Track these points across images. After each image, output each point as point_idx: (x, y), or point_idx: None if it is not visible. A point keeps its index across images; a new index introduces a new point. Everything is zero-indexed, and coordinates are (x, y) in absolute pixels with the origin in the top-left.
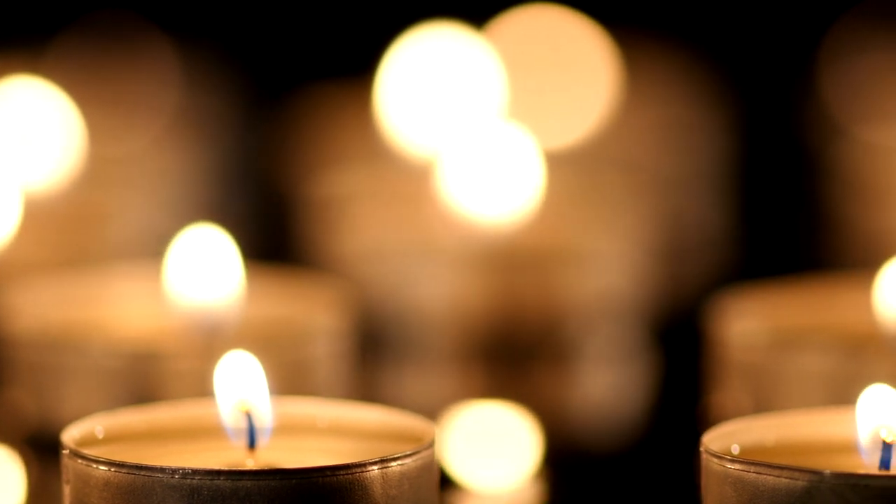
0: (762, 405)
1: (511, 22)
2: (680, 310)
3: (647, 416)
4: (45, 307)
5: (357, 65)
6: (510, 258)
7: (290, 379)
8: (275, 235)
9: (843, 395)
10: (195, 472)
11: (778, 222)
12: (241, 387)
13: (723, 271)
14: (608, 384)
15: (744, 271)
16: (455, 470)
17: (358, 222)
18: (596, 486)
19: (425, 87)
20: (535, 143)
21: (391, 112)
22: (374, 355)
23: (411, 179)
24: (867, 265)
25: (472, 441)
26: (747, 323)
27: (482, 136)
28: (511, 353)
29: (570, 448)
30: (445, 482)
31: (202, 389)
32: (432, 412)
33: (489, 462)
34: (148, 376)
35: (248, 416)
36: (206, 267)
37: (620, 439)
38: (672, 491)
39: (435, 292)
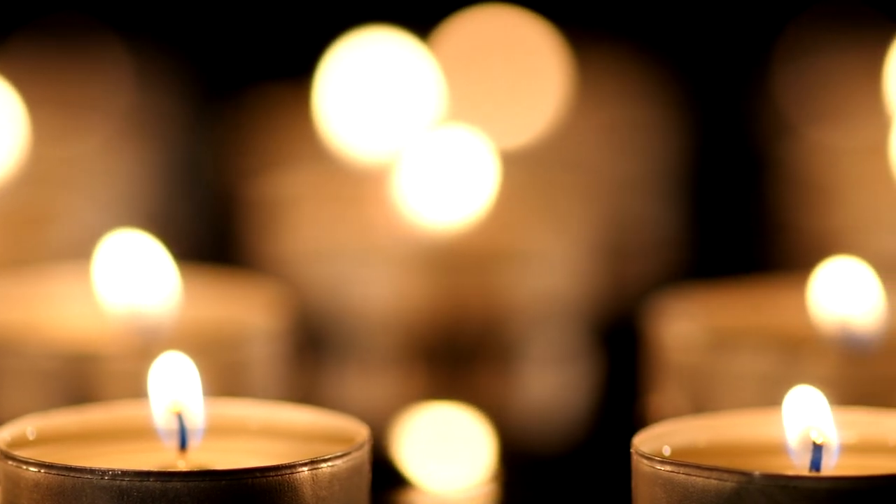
0: (700, 406)
1: (463, 22)
2: (623, 311)
3: (588, 418)
4: None
5: (302, 66)
6: (453, 259)
7: (226, 380)
8: (219, 236)
9: (779, 396)
10: (124, 473)
11: (728, 223)
12: (173, 388)
13: (670, 272)
14: (550, 385)
15: (692, 272)
16: (395, 472)
17: (301, 223)
18: (536, 487)
19: (369, 89)
20: (478, 144)
21: (335, 114)
22: (317, 357)
23: (354, 181)
24: (814, 266)
25: (415, 442)
26: (685, 324)
27: (425, 137)
28: (453, 355)
29: (512, 449)
30: (386, 483)
31: (139, 391)
32: (375, 414)
33: (431, 463)
34: (85, 378)
35: (180, 418)
36: (143, 269)
37: (561, 440)
38: (610, 492)
39: (377, 293)
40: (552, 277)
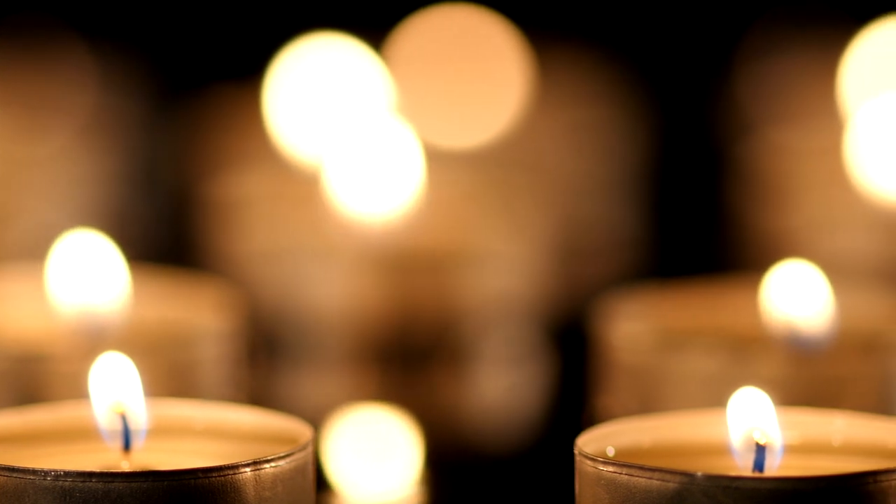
0: (648, 407)
1: (422, 21)
2: (576, 312)
3: (539, 418)
4: None
5: (258, 68)
6: (405, 260)
7: (175, 381)
8: (174, 237)
9: (728, 396)
10: (67, 473)
11: (687, 224)
12: (115, 388)
13: (627, 273)
14: (503, 386)
15: (650, 273)
16: (344, 473)
17: (255, 224)
18: (483, 488)
19: (323, 91)
20: (432, 145)
21: (289, 115)
22: (270, 357)
23: (307, 182)
24: (770, 266)
25: (365, 444)
26: (634, 325)
27: (377, 138)
28: (406, 355)
29: (464, 450)
30: (332, 484)
31: (88, 392)
32: (326, 415)
33: (382, 465)
34: (33, 378)
35: (123, 418)
36: (93, 269)
37: (511, 441)
38: (556, 493)
39: (331, 294)
40: (506, 278)
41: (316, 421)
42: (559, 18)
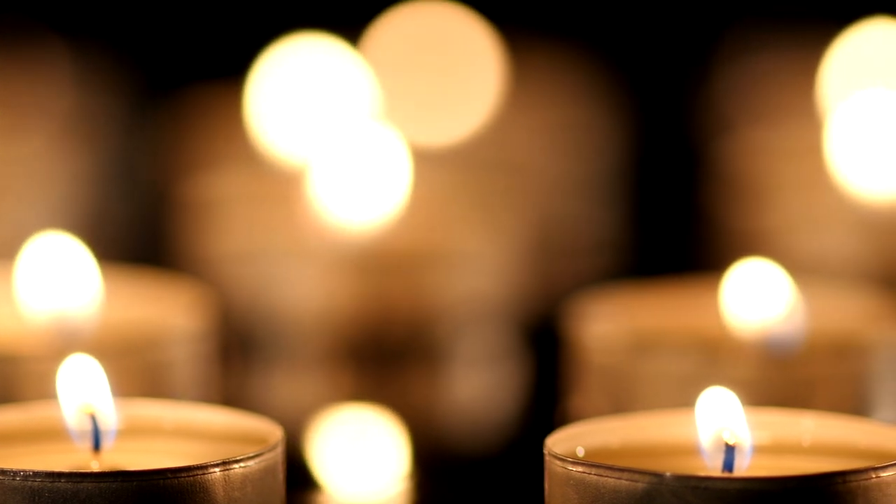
0: (620, 408)
1: (398, 19)
2: (550, 312)
3: (513, 419)
4: None
5: (236, 69)
6: (380, 260)
7: (148, 381)
8: (151, 237)
9: (699, 397)
10: (36, 473)
11: (663, 224)
12: (84, 389)
13: (602, 273)
14: (478, 386)
15: (625, 273)
16: (317, 473)
17: (232, 224)
18: (454, 488)
19: (302, 91)
20: (405, 144)
21: (267, 116)
22: (243, 358)
23: (282, 182)
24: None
25: (339, 444)
26: (605, 325)
27: (352, 139)
28: (381, 356)
29: (435, 450)
30: (304, 484)
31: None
32: (300, 415)
33: (355, 465)
34: (6, 379)
35: (93, 418)
36: (65, 270)
37: (484, 442)
38: (527, 493)
39: (306, 295)
40: (480, 278)
41: (290, 421)
42: (536, 16)
